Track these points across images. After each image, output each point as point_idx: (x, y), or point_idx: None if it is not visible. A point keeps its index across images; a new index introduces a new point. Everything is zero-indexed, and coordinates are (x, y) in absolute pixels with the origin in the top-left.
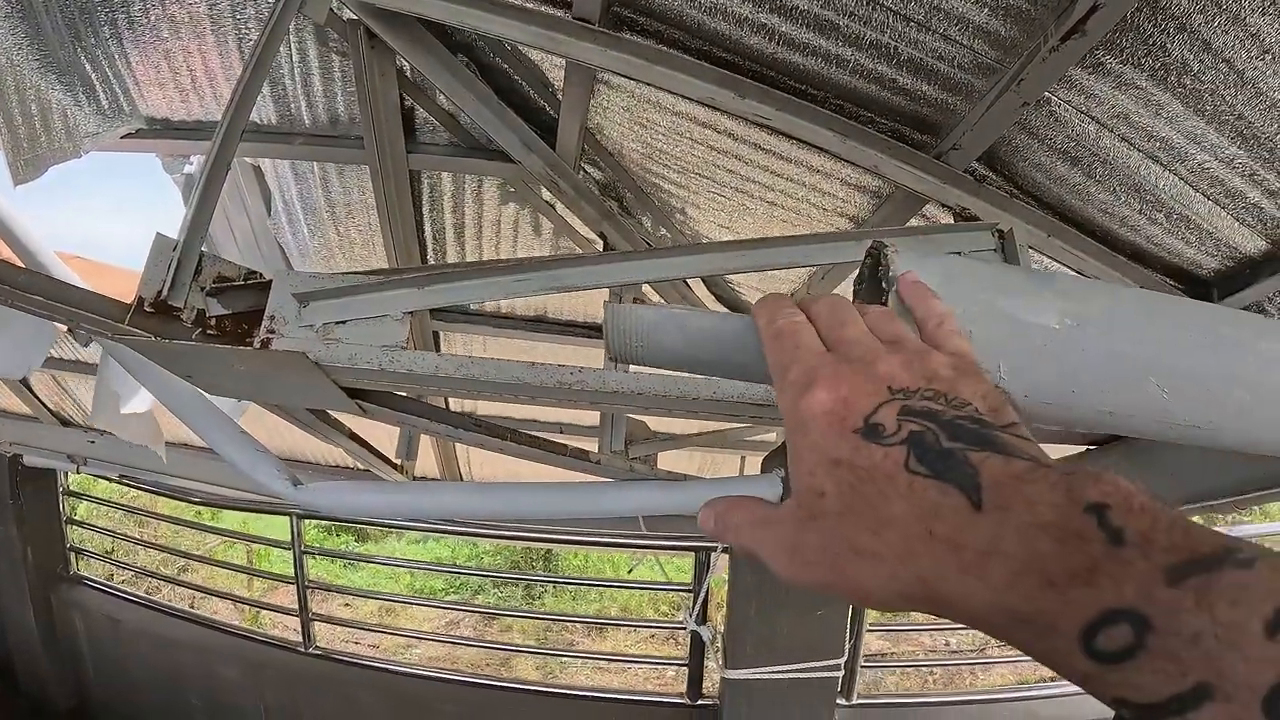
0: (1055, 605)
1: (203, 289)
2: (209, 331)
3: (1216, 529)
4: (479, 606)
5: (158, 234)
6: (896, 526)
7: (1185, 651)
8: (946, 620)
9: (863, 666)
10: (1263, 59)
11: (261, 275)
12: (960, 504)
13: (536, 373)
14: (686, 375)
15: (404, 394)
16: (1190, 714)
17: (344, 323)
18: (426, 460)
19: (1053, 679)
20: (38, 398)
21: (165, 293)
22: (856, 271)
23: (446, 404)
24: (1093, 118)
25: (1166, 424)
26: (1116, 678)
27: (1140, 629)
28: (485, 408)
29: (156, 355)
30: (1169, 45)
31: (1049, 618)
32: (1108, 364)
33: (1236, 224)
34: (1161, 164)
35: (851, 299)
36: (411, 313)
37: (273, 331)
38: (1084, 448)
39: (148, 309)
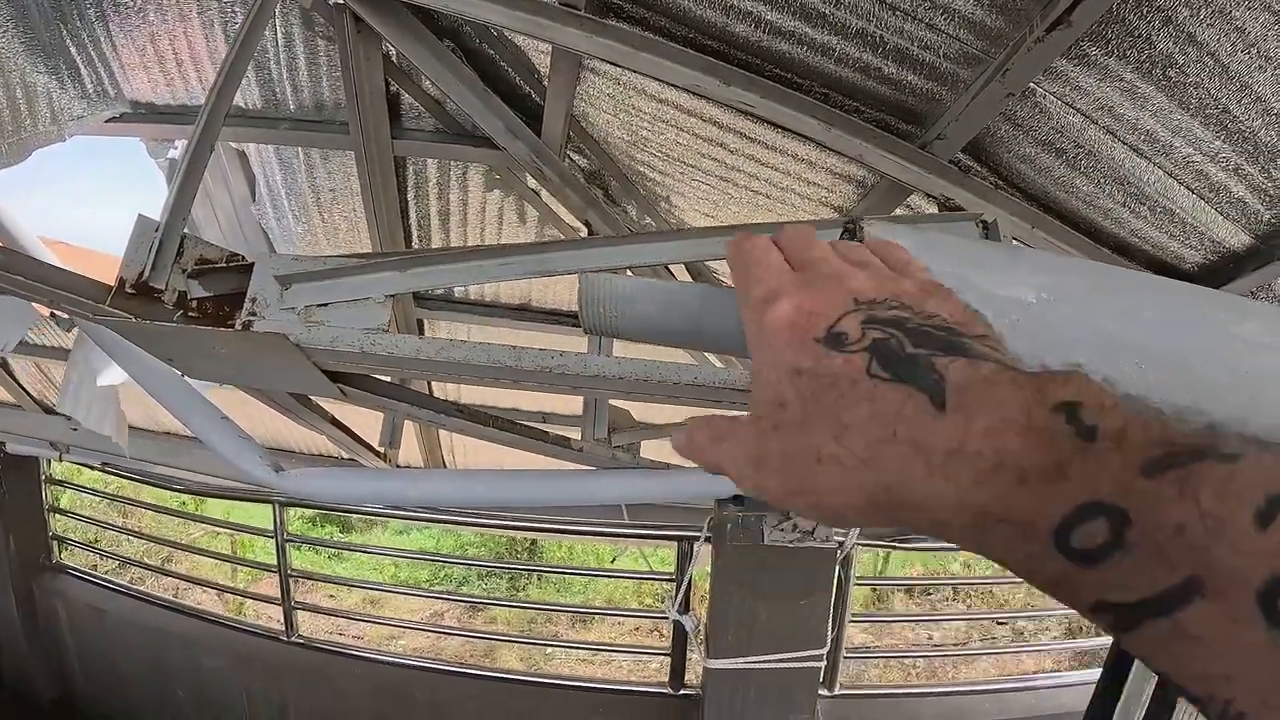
0: (1027, 502)
1: (184, 271)
2: (190, 313)
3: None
4: (464, 596)
5: (140, 215)
6: (859, 431)
7: (1169, 544)
8: (929, 614)
9: (845, 657)
10: (1247, 53)
11: (244, 258)
12: (924, 405)
13: (518, 356)
14: (668, 360)
15: (386, 378)
16: (1178, 612)
17: (326, 305)
18: (410, 449)
19: (1036, 672)
20: (20, 385)
21: (147, 274)
22: None
23: (430, 390)
24: (1077, 109)
25: None
26: (1095, 578)
27: (1118, 523)
28: (468, 395)
29: (138, 337)
30: (1154, 38)
31: (1020, 515)
32: (1083, 340)
33: (1220, 218)
34: (1145, 157)
35: None
36: (394, 296)
37: (254, 314)
38: None
39: (129, 290)
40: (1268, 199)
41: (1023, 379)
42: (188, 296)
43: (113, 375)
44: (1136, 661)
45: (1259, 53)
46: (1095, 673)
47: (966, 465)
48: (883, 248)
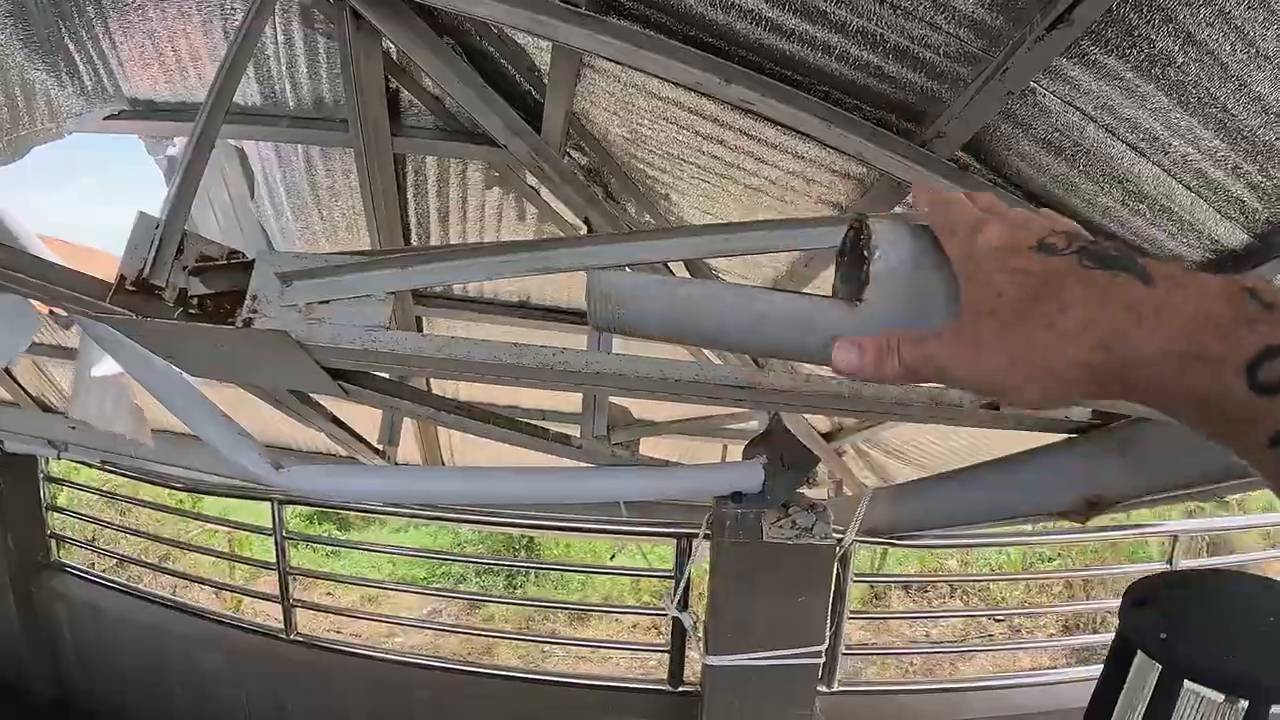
0: (1222, 344)
1: (185, 268)
2: (191, 311)
3: None
4: (462, 593)
5: (140, 213)
6: (1076, 304)
7: None
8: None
9: (844, 654)
10: (1246, 53)
11: (244, 255)
12: (1133, 283)
13: (519, 353)
14: (670, 357)
15: (386, 376)
16: None
17: (326, 302)
18: (409, 447)
19: (1033, 669)
20: (18, 383)
21: (147, 271)
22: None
23: (429, 387)
24: (1077, 108)
25: None
26: (1276, 408)
27: None
28: (467, 392)
29: (138, 334)
30: (1154, 37)
31: (1217, 354)
32: None
33: (1218, 216)
34: (1144, 155)
35: (833, 278)
36: (394, 293)
37: (255, 311)
38: (1067, 435)
39: (129, 288)
40: (1266, 197)
41: (1210, 272)
42: (188, 294)
43: (111, 367)
44: (1139, 654)
45: (1257, 52)
46: (1092, 669)
47: (1173, 317)
48: (930, 196)
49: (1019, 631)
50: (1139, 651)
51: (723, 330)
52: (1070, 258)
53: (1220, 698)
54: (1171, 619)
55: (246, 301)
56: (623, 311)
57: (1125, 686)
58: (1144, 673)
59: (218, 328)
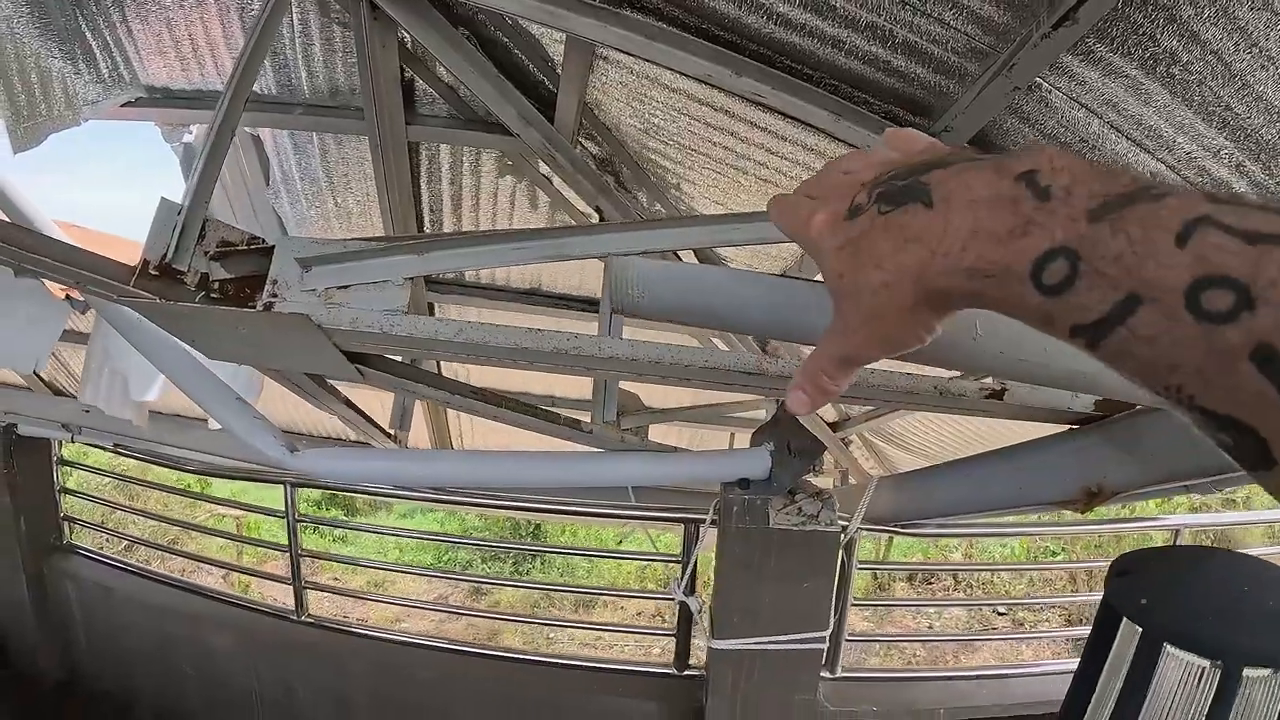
0: (1004, 256)
1: (206, 253)
2: (212, 295)
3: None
4: (469, 576)
5: (162, 198)
6: (886, 253)
7: (1111, 269)
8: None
9: (847, 640)
10: (1250, 52)
11: (264, 241)
12: (918, 212)
13: (535, 338)
14: (681, 343)
15: (401, 360)
16: (1130, 320)
17: (345, 287)
18: (419, 432)
19: (1034, 661)
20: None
21: (169, 256)
22: None
23: (439, 369)
24: (1082, 104)
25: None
26: (1065, 305)
27: (1072, 260)
28: (476, 377)
29: (160, 317)
30: (1158, 35)
31: (1002, 267)
32: None
33: None
34: (1149, 152)
35: None
36: (412, 279)
37: (275, 295)
38: (1066, 427)
39: (152, 272)
40: (1268, 195)
41: (987, 164)
42: (209, 278)
43: (121, 358)
44: (1106, 665)
45: (1261, 51)
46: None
47: (954, 239)
48: (893, 136)
49: (1022, 625)
50: (1123, 618)
51: (737, 316)
52: (871, 210)
53: (1198, 660)
54: (1153, 587)
55: (267, 286)
56: (641, 297)
57: (1110, 653)
58: (1127, 638)
59: (240, 310)
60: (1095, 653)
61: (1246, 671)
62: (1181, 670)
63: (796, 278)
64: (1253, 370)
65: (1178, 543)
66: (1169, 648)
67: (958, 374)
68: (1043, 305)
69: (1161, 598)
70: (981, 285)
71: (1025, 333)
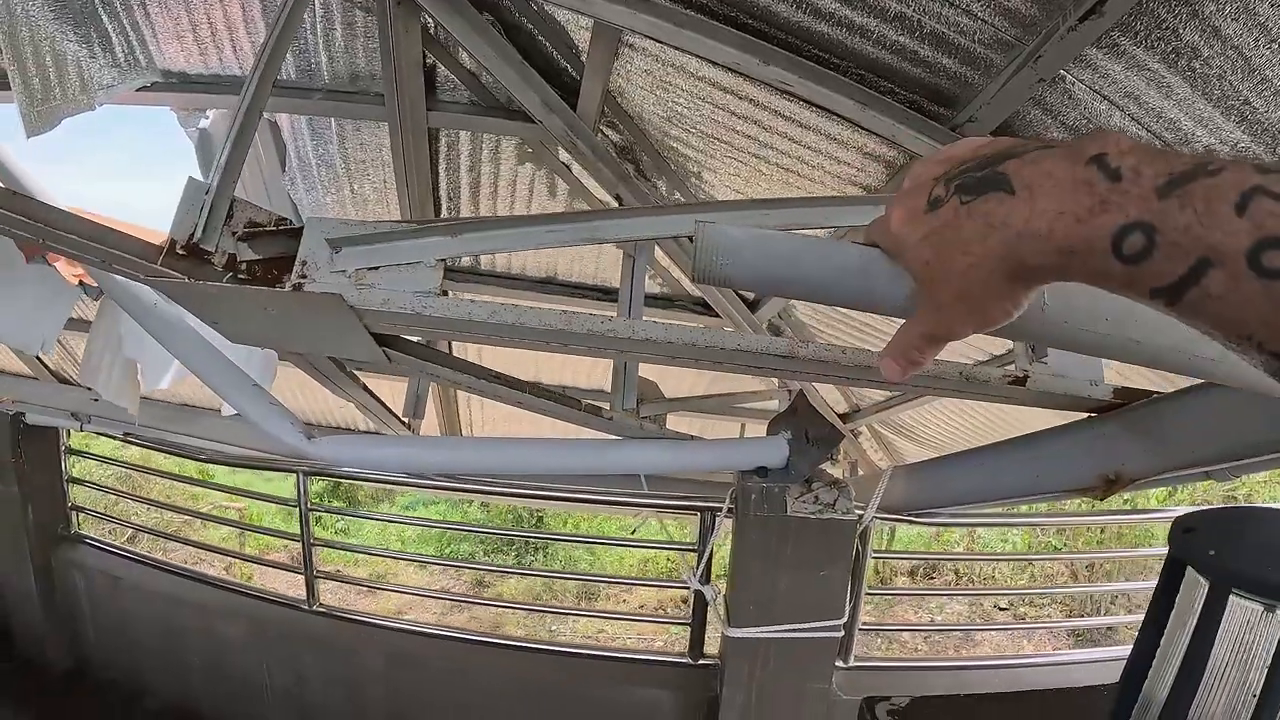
0: (1086, 233)
1: (234, 234)
2: (240, 276)
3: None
4: (480, 565)
5: (190, 178)
6: (973, 239)
7: (1182, 239)
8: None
9: (861, 629)
10: (1269, 48)
11: (292, 222)
12: (1001, 200)
13: (569, 320)
14: (710, 327)
15: (425, 344)
16: (1202, 280)
17: (376, 268)
18: (430, 423)
19: (1037, 653)
20: (39, 358)
21: (198, 236)
22: None
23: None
24: (1104, 96)
25: (1186, 355)
26: (1145, 272)
27: (1148, 232)
28: (490, 364)
29: (187, 298)
30: (1181, 30)
31: (1087, 242)
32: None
33: None
34: (1168, 145)
35: None
36: (444, 260)
37: (304, 276)
38: (1086, 413)
39: (180, 251)
40: None
41: (1060, 149)
42: (237, 259)
43: (134, 346)
44: (1172, 616)
45: None
46: (1104, 651)
47: (1040, 220)
48: (950, 146)
49: (1023, 619)
50: (1188, 568)
51: (823, 285)
52: (953, 201)
53: (1262, 607)
54: (1219, 540)
55: (296, 267)
56: (727, 263)
57: (1176, 604)
58: (1193, 589)
59: (270, 290)
60: (1161, 606)
61: None
62: (1247, 616)
63: (877, 248)
64: None
65: None
66: (1235, 596)
67: (981, 360)
68: (1124, 272)
69: (1228, 549)
70: (1068, 260)
71: (1087, 304)
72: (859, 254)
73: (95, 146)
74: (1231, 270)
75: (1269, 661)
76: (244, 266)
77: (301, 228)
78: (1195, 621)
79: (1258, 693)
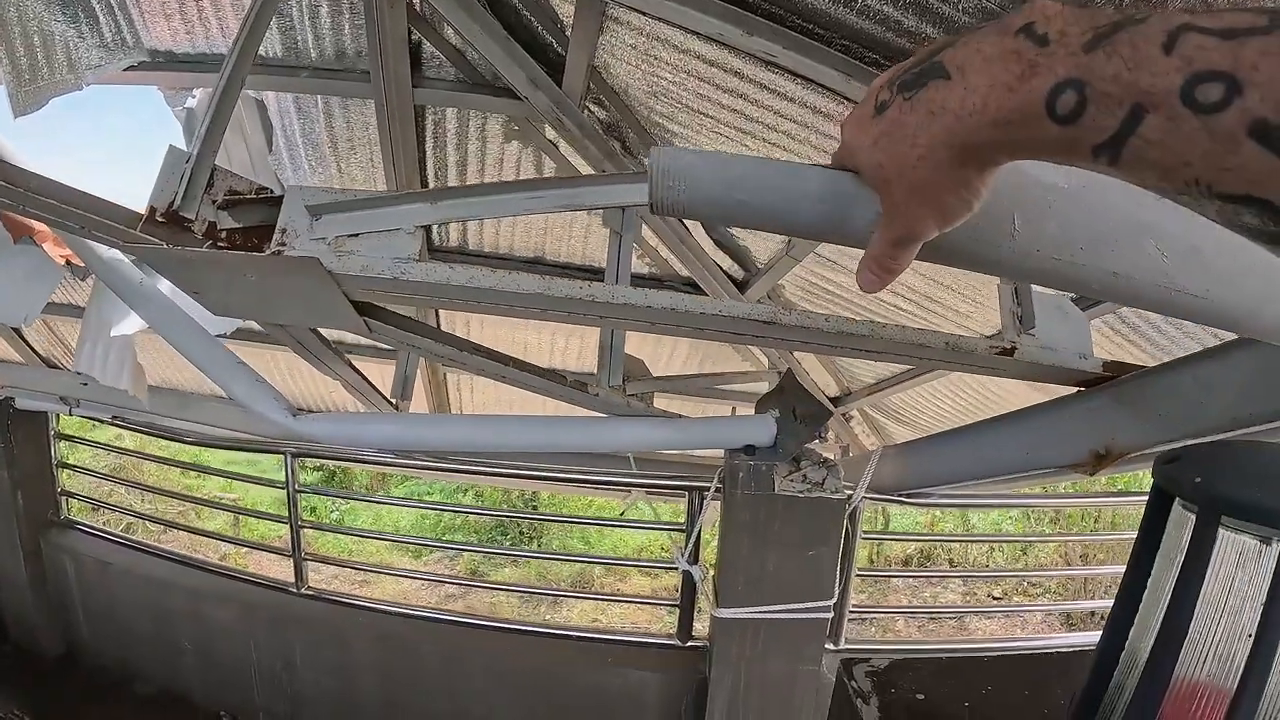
0: (1019, 100)
1: (214, 202)
2: (219, 243)
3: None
4: (477, 546)
5: (171, 146)
6: (918, 131)
7: (1113, 88)
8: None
9: (851, 613)
10: None
11: (272, 191)
12: (939, 86)
13: (547, 285)
14: (692, 293)
15: (408, 315)
16: (1140, 129)
17: (355, 235)
18: (419, 403)
19: (1034, 633)
20: (28, 343)
21: (178, 203)
22: None
23: (438, 323)
24: None
25: (1168, 290)
26: (1082, 130)
27: (1079, 89)
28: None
29: (166, 265)
30: (1169, 4)
31: (1021, 110)
32: (1110, 223)
33: None
34: None
35: None
36: (424, 227)
37: (283, 244)
38: (1075, 388)
39: (159, 218)
40: None
41: (990, 27)
42: (217, 227)
43: (127, 327)
44: (1158, 558)
45: None
46: (1084, 635)
47: (975, 96)
48: None
49: (1020, 601)
50: (1175, 499)
51: (787, 212)
52: (897, 100)
53: (1256, 536)
54: (1207, 467)
55: (276, 234)
56: (683, 189)
57: (1163, 540)
58: (1180, 522)
59: (249, 255)
60: (1147, 541)
61: None
62: (1239, 549)
63: (841, 170)
64: (1254, 146)
65: None
66: (1225, 529)
67: (967, 332)
68: (1063, 135)
69: (1215, 476)
70: (1007, 132)
71: (1057, 231)
72: (823, 176)
73: (82, 132)
74: (1167, 111)
75: (1263, 599)
76: (224, 234)
77: (282, 196)
78: (1182, 558)
79: (1252, 633)
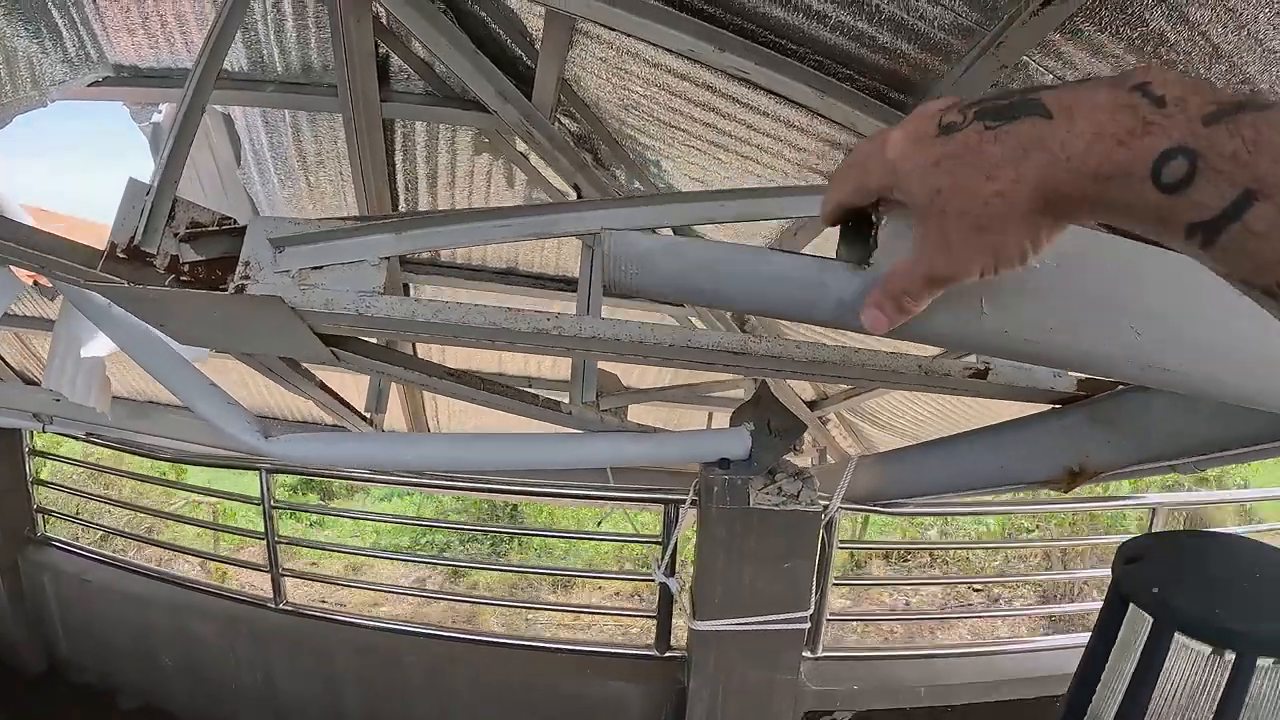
0: (1125, 156)
1: (176, 235)
2: (182, 278)
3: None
4: (450, 560)
5: (130, 179)
6: (1000, 163)
7: (1227, 166)
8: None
9: (828, 620)
10: (1238, 34)
11: (236, 221)
12: (1035, 123)
13: (514, 319)
14: (661, 322)
15: (376, 342)
16: (1245, 215)
17: (320, 268)
18: (395, 416)
19: (1010, 637)
20: (1, 358)
21: (138, 238)
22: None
23: (415, 351)
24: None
25: (1139, 365)
26: (1183, 203)
27: (1191, 159)
28: (453, 358)
29: (129, 302)
30: (1147, 16)
31: (1124, 167)
32: (1084, 302)
33: None
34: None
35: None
36: (388, 259)
37: (247, 277)
38: (1051, 404)
39: (120, 255)
40: None
41: (1103, 78)
42: (179, 260)
43: (98, 346)
44: (1115, 648)
45: (1249, 34)
46: (1071, 638)
47: (1077, 143)
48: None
49: (998, 601)
50: (1131, 604)
51: (736, 293)
52: (974, 126)
53: (1209, 649)
54: (1164, 574)
55: (239, 268)
56: (636, 273)
57: (1118, 640)
58: (1136, 625)
59: (210, 294)
60: (1104, 636)
61: (1260, 661)
62: (1193, 659)
63: (796, 253)
64: None
65: (1154, 521)
66: (1180, 636)
67: (941, 352)
68: (1161, 204)
69: (1173, 585)
70: (1104, 188)
71: (1032, 313)
72: (788, 261)
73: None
74: (1277, 204)
75: (1216, 705)
76: (187, 268)
77: (245, 227)
78: (1137, 659)
79: None
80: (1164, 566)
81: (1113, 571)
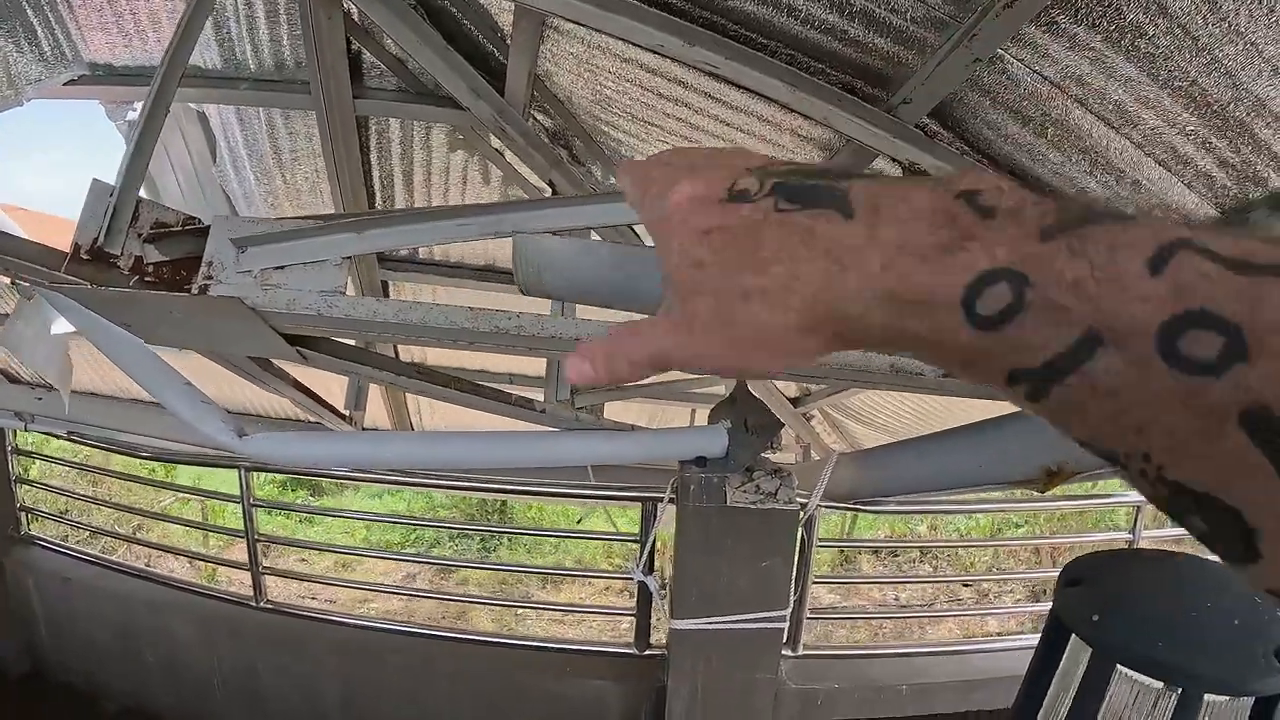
0: (931, 277)
1: (140, 235)
2: (146, 279)
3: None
4: (435, 559)
5: (94, 180)
6: (777, 258)
7: (1066, 299)
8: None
9: (809, 617)
10: (1218, 26)
11: (200, 221)
12: (833, 219)
13: (475, 318)
14: (625, 320)
15: (346, 340)
16: (1087, 365)
17: (282, 268)
18: (376, 412)
19: (999, 634)
20: None
21: (102, 240)
22: None
23: (396, 352)
24: (1045, 77)
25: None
26: (1005, 344)
27: (1018, 285)
28: (435, 356)
29: (94, 303)
30: (1124, 7)
31: (928, 291)
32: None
33: (1187, 190)
34: (1113, 127)
35: None
36: (351, 258)
37: (210, 278)
38: None
39: (84, 256)
40: (1235, 174)
41: (925, 180)
42: (144, 261)
43: (64, 323)
44: (1056, 677)
45: (1229, 26)
46: None
47: (875, 254)
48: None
49: (986, 596)
50: (1072, 634)
51: (648, 294)
52: (765, 202)
53: (1154, 684)
54: (1105, 600)
55: (202, 268)
56: (547, 275)
57: (1059, 669)
58: (1076, 655)
59: (170, 295)
60: (1045, 663)
61: (1208, 698)
62: (1135, 693)
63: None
64: (1243, 438)
65: (1139, 519)
66: (1122, 669)
67: None
68: (975, 343)
69: (1115, 614)
70: (898, 316)
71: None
72: None
73: (43, 139)
74: (1132, 354)
75: None
76: (150, 269)
77: (209, 227)
78: (1077, 690)
79: None
80: (1107, 592)
81: (1054, 595)
